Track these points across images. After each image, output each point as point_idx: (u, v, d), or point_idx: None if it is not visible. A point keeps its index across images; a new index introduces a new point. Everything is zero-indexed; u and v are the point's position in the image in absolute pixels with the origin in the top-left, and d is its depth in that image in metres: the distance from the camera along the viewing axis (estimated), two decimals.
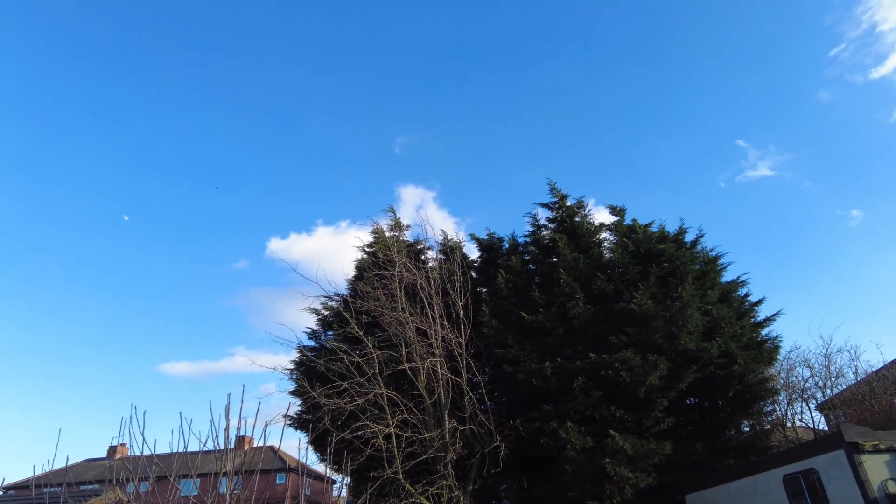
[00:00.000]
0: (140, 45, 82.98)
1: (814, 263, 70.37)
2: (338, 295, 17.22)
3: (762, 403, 15.56)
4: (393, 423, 13.08)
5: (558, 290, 14.93)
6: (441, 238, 18.15)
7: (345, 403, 13.04)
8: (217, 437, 6.10)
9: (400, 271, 15.22)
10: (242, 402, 6.44)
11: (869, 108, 69.29)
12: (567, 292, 14.55)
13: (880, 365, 18.56)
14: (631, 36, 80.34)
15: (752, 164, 71.75)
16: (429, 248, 18.39)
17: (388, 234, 18.21)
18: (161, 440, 6.55)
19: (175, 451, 6.10)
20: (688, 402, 15.33)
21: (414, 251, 17.98)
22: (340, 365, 13.71)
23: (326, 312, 17.67)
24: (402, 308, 14.52)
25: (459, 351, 14.60)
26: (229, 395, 6.30)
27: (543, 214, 17.44)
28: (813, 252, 71.17)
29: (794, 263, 69.62)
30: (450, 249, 17.01)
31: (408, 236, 18.79)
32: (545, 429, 13.72)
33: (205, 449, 6.09)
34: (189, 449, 6.18)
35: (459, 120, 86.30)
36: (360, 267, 17.68)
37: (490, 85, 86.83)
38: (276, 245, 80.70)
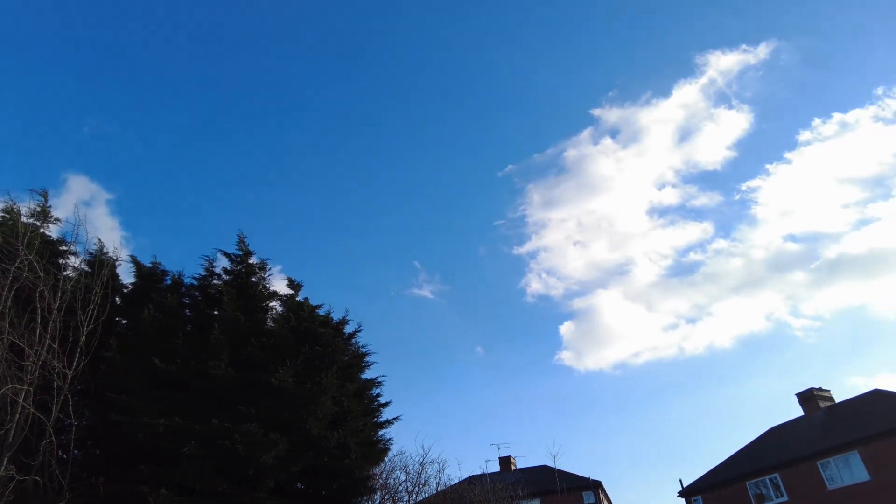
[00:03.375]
0: None
1: (440, 380, 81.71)
2: None
3: (360, 500, 16.71)
4: None
5: (207, 345, 14.05)
6: (96, 248, 15.61)
7: None
8: None
9: (19, 268, 12.37)
10: None
11: (506, 272, 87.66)
12: (214, 349, 13.79)
13: (457, 481, 22.15)
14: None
15: (420, 284, 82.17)
16: (73, 254, 15.54)
17: (25, 219, 14.85)
18: None
19: None
20: (298, 486, 15.51)
21: (52, 251, 14.94)
22: None
23: None
24: (3, 314, 11.65)
25: (60, 383, 12.20)
26: None
27: (222, 263, 16.65)
28: (441, 370, 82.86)
29: (424, 376, 79.66)
30: (99, 263, 14.67)
31: (53, 232, 15.62)
32: (132, 492, 12.11)
33: None
34: None
35: (180, 128, 78.52)
36: None
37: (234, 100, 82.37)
38: None
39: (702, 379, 78.08)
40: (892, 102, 68.51)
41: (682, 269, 79.90)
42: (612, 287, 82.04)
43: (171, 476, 12.48)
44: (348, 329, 17.23)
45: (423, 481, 19.95)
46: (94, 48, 74.22)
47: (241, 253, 16.66)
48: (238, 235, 16.66)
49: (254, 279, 16.41)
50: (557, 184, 79.91)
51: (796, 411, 33.08)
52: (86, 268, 14.95)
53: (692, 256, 79.22)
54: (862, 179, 72.29)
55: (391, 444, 17.44)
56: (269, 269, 16.80)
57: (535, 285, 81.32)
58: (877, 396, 28.73)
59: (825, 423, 30.03)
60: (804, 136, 77.92)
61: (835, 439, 27.03)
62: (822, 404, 31.93)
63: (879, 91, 71.97)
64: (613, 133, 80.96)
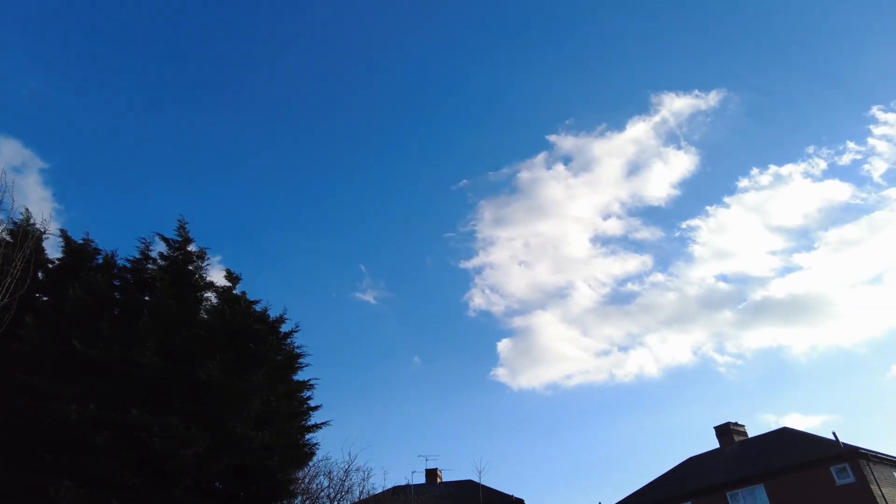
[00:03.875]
0: None
1: (375, 387, 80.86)
2: None
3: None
4: None
5: (134, 331, 13.40)
6: (22, 217, 14.65)
7: None
8: None
9: None
10: None
11: (451, 284, 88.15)
12: (141, 336, 13.17)
13: (381, 490, 21.92)
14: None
15: (363, 288, 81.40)
16: None
17: None
18: None
19: None
20: (216, 485, 14.94)
21: None
22: None
23: None
24: None
25: None
26: None
27: (159, 248, 15.98)
28: (378, 377, 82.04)
29: (359, 382, 78.60)
30: (23, 233, 13.77)
31: None
32: (32, 483, 11.34)
33: None
34: None
35: (130, 102, 74.93)
36: None
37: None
38: None
39: (629, 406, 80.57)
40: (820, 162, 73.57)
41: (619, 298, 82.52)
42: (551, 309, 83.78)
43: (78, 467, 11.78)
44: (285, 328, 16.84)
45: (346, 489, 19.64)
46: (43, 11, 70.21)
47: (180, 239, 16.05)
48: (178, 220, 16.08)
49: (191, 267, 15.84)
50: (509, 203, 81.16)
51: (714, 443, 34.65)
52: (7, 237, 14.01)
53: (630, 287, 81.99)
54: (789, 229, 77.09)
55: (317, 448, 17.10)
56: (208, 258, 16.28)
57: (478, 300, 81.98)
58: (785, 434, 30.51)
59: (738, 456, 31.58)
60: (743, 183, 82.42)
61: (744, 472, 28.49)
62: (737, 438, 33.57)
63: (810, 150, 77.20)
64: (566, 160, 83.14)
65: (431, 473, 34.51)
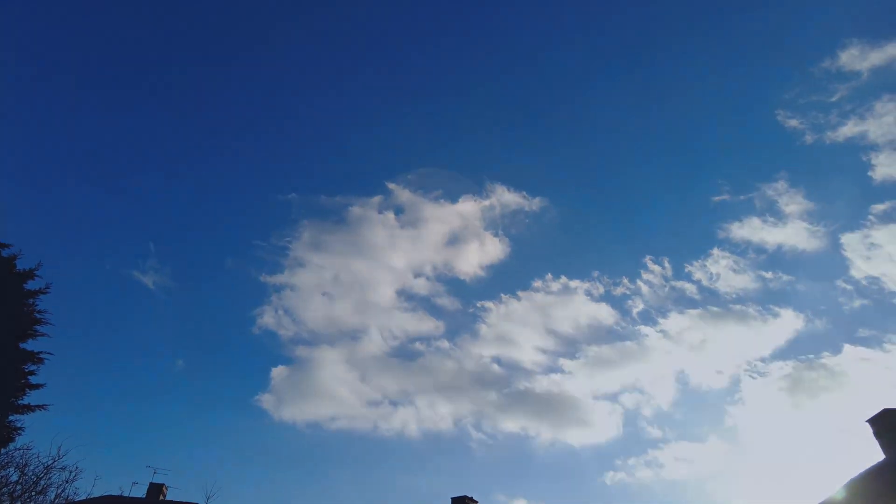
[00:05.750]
0: None
1: (122, 380, 71.43)
2: None
3: None
4: None
5: None
6: None
7: None
8: None
9: None
10: None
11: (244, 294, 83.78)
12: None
13: (85, 497, 18.76)
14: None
15: (145, 269, 73.14)
16: None
17: None
18: None
19: None
20: None
21: None
22: None
23: None
24: None
25: None
26: None
27: None
28: (131, 369, 72.82)
29: (106, 369, 68.87)
30: None
31: None
32: None
33: None
34: None
35: None
36: None
37: None
38: None
39: (383, 460, 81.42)
40: (600, 286, 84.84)
41: (404, 354, 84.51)
42: (339, 347, 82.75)
43: None
44: (32, 285, 14.17)
45: (40, 488, 16.46)
46: None
47: None
48: None
49: None
50: (332, 232, 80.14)
51: None
52: None
53: (417, 346, 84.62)
54: (561, 335, 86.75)
55: (20, 433, 14.29)
56: None
57: (267, 318, 77.92)
58: None
59: None
60: (537, 283, 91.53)
61: None
62: None
63: (595, 274, 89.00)
64: (399, 211, 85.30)
65: (156, 488, 30.80)
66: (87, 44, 73.29)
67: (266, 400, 75.75)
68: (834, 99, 69.40)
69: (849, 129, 67.62)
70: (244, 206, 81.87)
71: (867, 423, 18.00)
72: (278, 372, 78.03)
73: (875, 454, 17.67)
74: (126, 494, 25.03)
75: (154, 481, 30.20)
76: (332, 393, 77.06)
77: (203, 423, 70.75)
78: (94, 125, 74.05)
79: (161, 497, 31.22)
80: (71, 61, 71.80)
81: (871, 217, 67.72)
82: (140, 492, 29.99)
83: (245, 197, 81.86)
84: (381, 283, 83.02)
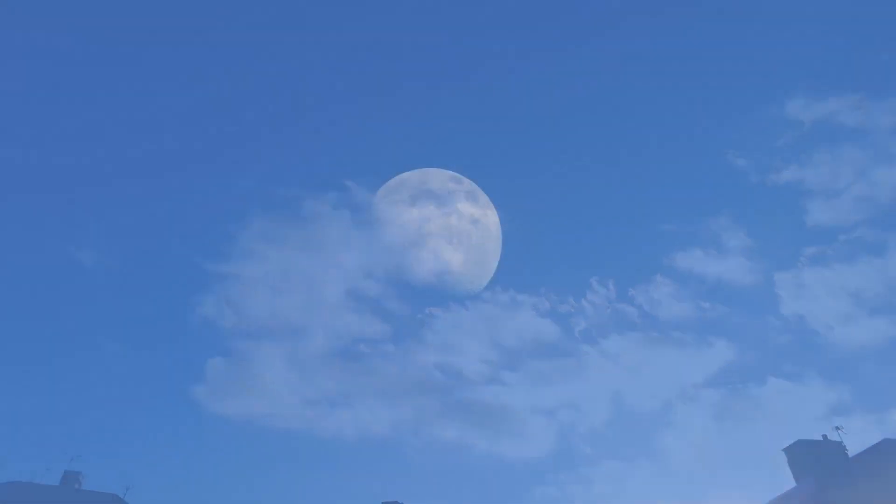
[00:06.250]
0: None
1: (48, 360, 67.75)
2: None
3: None
4: None
5: None
6: None
7: None
8: None
9: None
10: None
11: (187, 283, 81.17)
12: None
13: None
14: None
15: (82, 244, 69.72)
16: None
17: None
18: None
19: None
20: None
21: None
22: None
23: None
24: None
25: None
26: None
27: None
28: (57, 351, 69.14)
29: (31, 351, 65.11)
30: None
31: None
32: None
33: None
34: None
35: None
36: None
37: None
38: None
39: (317, 461, 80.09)
40: (547, 302, 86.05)
41: (348, 355, 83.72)
42: (281, 343, 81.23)
43: None
44: None
45: None
46: None
47: None
48: None
49: None
50: (285, 224, 78.82)
51: None
52: None
53: (362, 348, 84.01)
54: (505, 347, 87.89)
55: None
56: None
57: (209, 308, 75.54)
58: None
59: None
60: (486, 294, 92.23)
61: None
62: None
63: (543, 289, 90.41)
64: (355, 210, 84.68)
65: (72, 476, 29.24)
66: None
67: (200, 392, 73.47)
68: (778, 144, 73.56)
69: (789, 174, 72.00)
70: (192, 185, 79.46)
71: (783, 452, 19.00)
72: (214, 363, 75.67)
73: (788, 481, 18.68)
74: (37, 482, 23.72)
75: (69, 469, 28.74)
76: (270, 390, 75.31)
77: (131, 411, 67.98)
78: (43, 97, 70.16)
79: (77, 486, 29.75)
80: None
81: (802, 258, 71.94)
82: (54, 479, 28.53)
83: (194, 176, 79.53)
84: (331, 282, 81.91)
